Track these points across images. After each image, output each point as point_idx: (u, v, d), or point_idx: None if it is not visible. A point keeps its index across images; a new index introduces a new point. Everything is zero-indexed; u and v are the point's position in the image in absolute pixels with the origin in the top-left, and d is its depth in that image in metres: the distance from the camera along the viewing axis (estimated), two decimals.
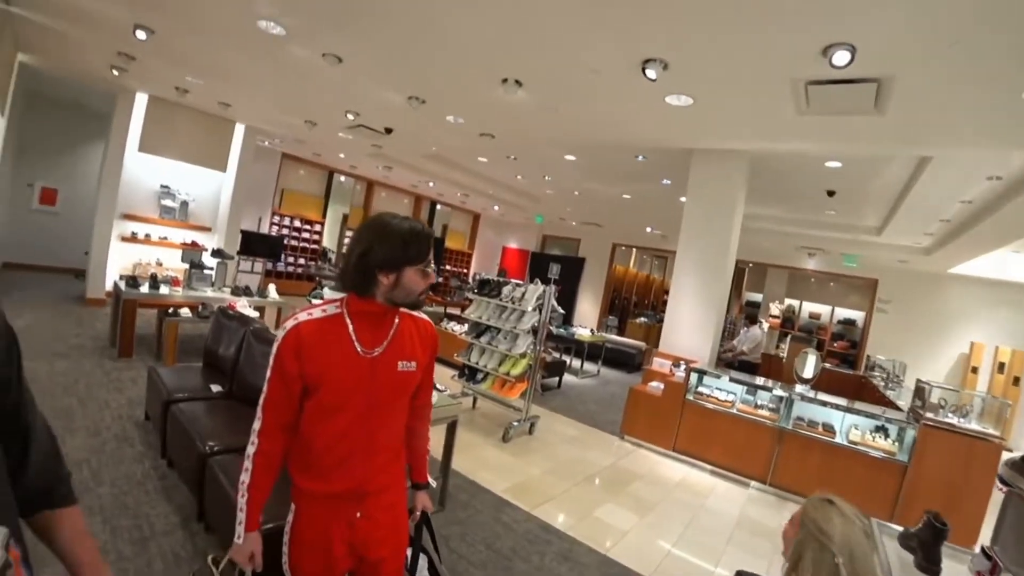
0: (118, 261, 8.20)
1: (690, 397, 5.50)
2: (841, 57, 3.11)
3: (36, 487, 0.88)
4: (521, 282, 5.92)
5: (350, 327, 1.45)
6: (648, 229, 12.53)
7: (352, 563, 1.54)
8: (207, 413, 3.37)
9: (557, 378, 8.19)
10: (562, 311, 7.15)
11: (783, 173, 6.27)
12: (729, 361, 8.29)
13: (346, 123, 7.34)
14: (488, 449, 4.89)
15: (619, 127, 5.44)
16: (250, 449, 1.46)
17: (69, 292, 8.50)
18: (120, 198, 8.16)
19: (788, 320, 13.53)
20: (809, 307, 13.66)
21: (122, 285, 5.93)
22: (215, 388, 3.86)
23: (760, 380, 5.73)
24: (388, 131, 7.50)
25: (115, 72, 6.66)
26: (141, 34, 4.92)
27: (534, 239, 16.29)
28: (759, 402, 5.41)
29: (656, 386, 5.77)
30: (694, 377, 5.55)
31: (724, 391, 5.56)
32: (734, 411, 5.30)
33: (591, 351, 9.89)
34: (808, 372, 5.70)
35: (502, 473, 4.38)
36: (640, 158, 6.69)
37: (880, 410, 5.09)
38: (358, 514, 1.50)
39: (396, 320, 1.52)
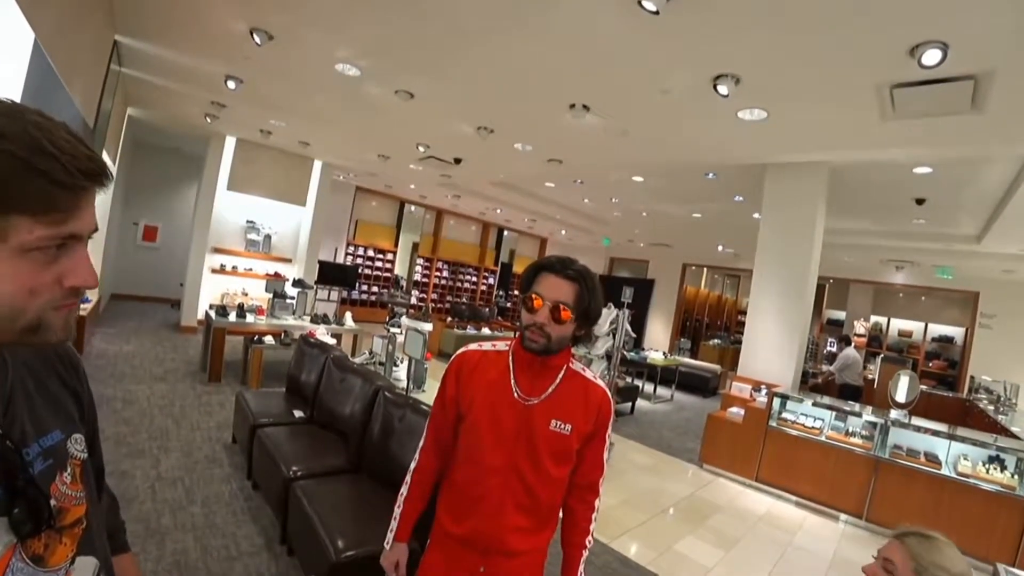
0: (209, 291, 8.78)
1: (773, 424, 5.20)
2: (931, 56, 2.92)
3: (111, 525, 0.93)
4: None
5: (511, 368, 1.44)
6: (719, 248, 12.15)
7: None
8: (290, 438, 3.48)
9: (630, 404, 7.99)
10: (633, 335, 7.00)
11: (865, 183, 5.93)
12: (818, 385, 7.79)
13: (417, 155, 7.60)
14: None
15: (689, 146, 5.35)
16: (411, 465, 1.57)
17: (167, 320, 9.18)
18: (211, 233, 8.79)
19: (875, 339, 12.66)
20: (898, 324, 12.70)
21: (212, 314, 6.34)
22: (297, 413, 4.00)
23: (850, 405, 5.35)
24: (457, 161, 7.69)
25: (208, 119, 7.29)
26: (231, 84, 5.37)
27: (602, 262, 16.15)
28: (850, 429, 5.03)
29: (736, 412, 5.51)
30: (777, 402, 5.25)
31: (811, 417, 5.21)
32: (822, 439, 4.96)
33: (664, 375, 9.62)
34: (904, 396, 5.27)
35: None
36: (711, 176, 6.53)
37: (991, 437, 4.62)
38: (482, 569, 1.44)
39: (561, 374, 1.44)
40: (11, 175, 0.52)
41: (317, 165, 9.68)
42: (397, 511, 1.59)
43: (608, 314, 5.56)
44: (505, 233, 16.10)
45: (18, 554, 0.62)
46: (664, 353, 10.33)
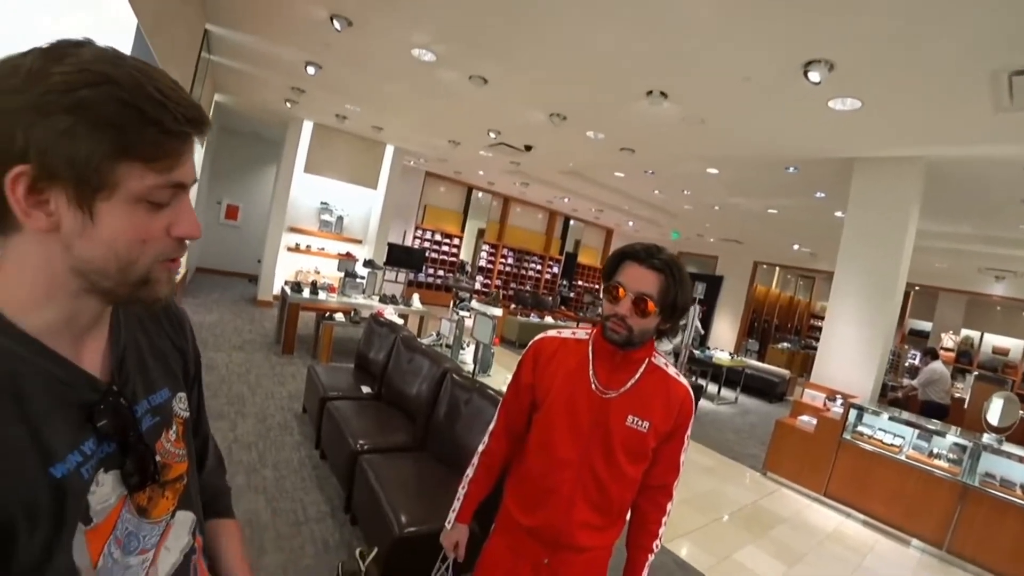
0: (284, 268, 9.19)
1: (847, 437, 4.89)
2: None
3: (206, 494, 0.91)
4: None
5: (591, 359, 1.40)
6: (795, 247, 11.58)
7: None
8: (357, 413, 3.59)
9: (695, 403, 7.77)
10: (703, 332, 6.79)
11: (967, 181, 5.44)
12: (898, 399, 7.30)
13: (488, 141, 7.62)
14: None
15: (771, 137, 5.08)
16: (480, 447, 1.57)
17: (245, 294, 9.70)
18: (287, 213, 9.19)
19: (964, 354, 11.73)
20: (993, 340, 11.70)
21: (288, 290, 6.63)
22: (365, 389, 4.13)
23: (935, 424, 4.96)
24: (528, 148, 7.67)
25: (288, 104, 7.61)
26: (311, 70, 5.56)
27: None
28: (935, 450, 4.67)
29: (807, 421, 5.23)
30: (853, 414, 4.93)
31: (889, 433, 4.87)
32: (901, 457, 4.62)
33: (729, 376, 9.30)
34: (999, 419, 4.80)
35: None
36: (791, 170, 6.20)
37: None
38: (546, 560, 1.42)
39: (642, 369, 1.38)
40: (125, 121, 0.52)
41: (389, 150, 9.89)
42: (461, 492, 1.59)
43: None
44: (571, 222, 15.98)
45: (127, 506, 0.65)
46: (730, 353, 9.99)
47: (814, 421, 5.14)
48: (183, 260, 7.56)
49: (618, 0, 3.15)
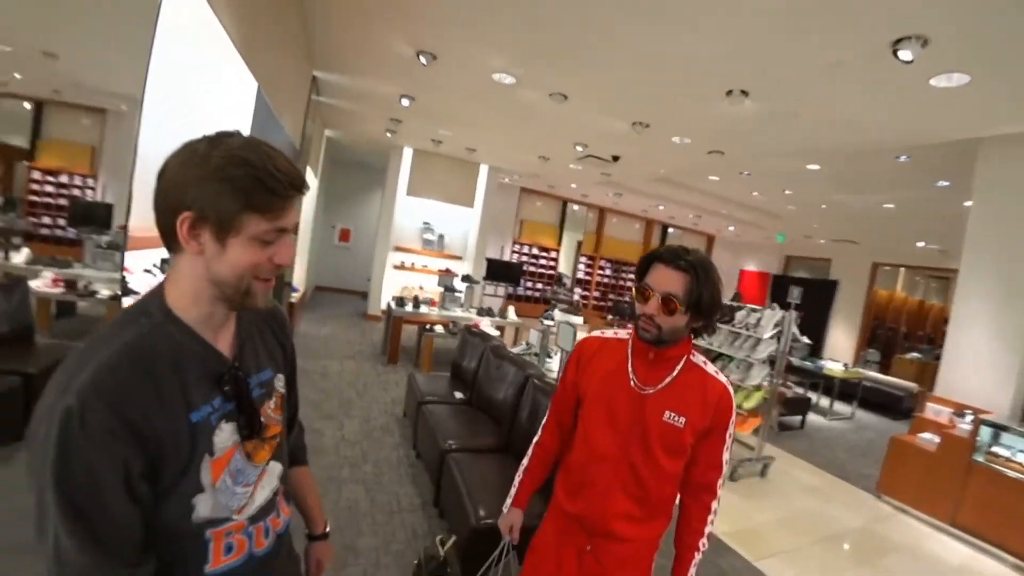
0: (391, 285, 9.88)
1: (979, 458, 4.27)
2: None
3: (294, 445, 1.25)
4: (758, 307, 5.51)
5: (629, 356, 1.48)
6: (920, 244, 10.55)
7: None
8: (449, 416, 3.87)
9: (800, 417, 7.32)
10: (807, 341, 6.37)
11: None
12: None
13: (576, 155, 7.78)
14: None
15: (872, 125, 4.73)
16: (535, 439, 1.73)
17: (356, 309, 10.56)
18: (392, 234, 9.92)
19: None
20: None
21: (393, 305, 7.16)
22: (458, 395, 4.41)
23: None
24: (615, 158, 7.73)
25: (388, 134, 8.33)
26: (405, 101, 6.11)
27: (776, 261, 14.91)
28: None
29: (929, 438, 4.69)
30: (986, 432, 4.33)
31: None
32: None
33: (843, 389, 8.60)
34: None
35: (725, 514, 4.00)
36: (903, 159, 5.75)
37: None
38: (588, 548, 1.49)
39: (679, 366, 1.44)
40: (252, 188, 0.80)
41: (483, 169, 10.35)
42: (517, 479, 1.73)
43: (772, 315, 5.20)
44: (669, 230, 15.65)
45: (239, 449, 0.92)
46: (845, 364, 9.26)
47: (936, 439, 4.60)
48: (303, 280, 8.59)
49: (687, 4, 3.18)
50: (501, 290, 11.79)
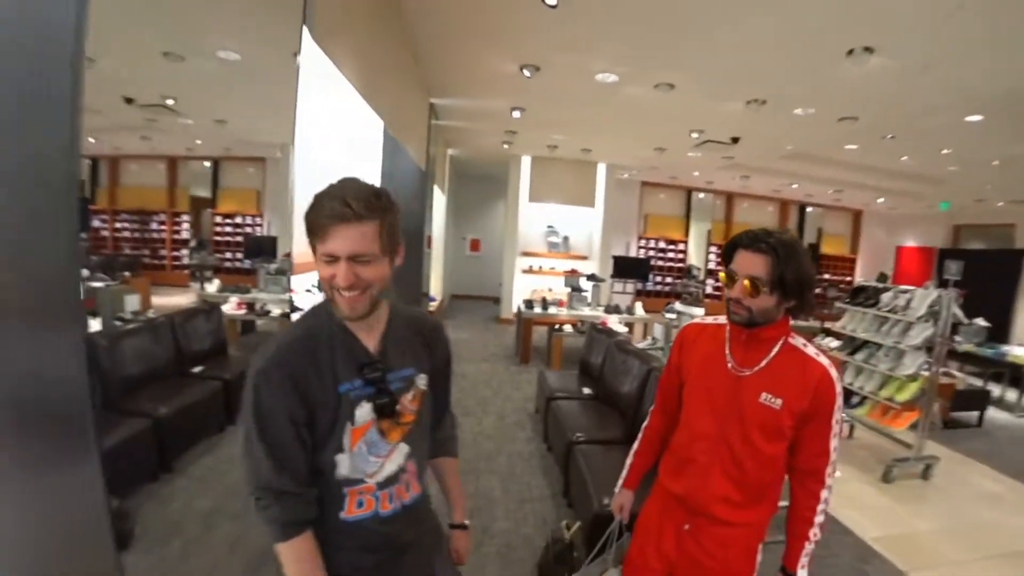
0: (520, 289, 10.30)
1: None
2: None
3: (441, 438, 1.46)
4: (908, 287, 4.94)
5: (727, 340, 1.53)
6: None
7: (669, 569, 1.59)
8: (578, 410, 4.06)
9: (977, 413, 6.24)
10: (984, 323, 5.60)
11: None
12: None
13: (692, 142, 7.60)
14: (861, 486, 4.19)
15: None
16: (644, 423, 1.86)
17: (489, 314, 11.16)
18: (519, 240, 10.34)
19: None
20: None
21: (523, 307, 7.52)
22: (586, 391, 4.57)
23: None
24: (734, 140, 7.42)
25: (505, 146, 8.81)
26: (516, 113, 6.47)
27: (941, 232, 12.97)
28: None
29: None
30: None
31: None
32: None
33: None
34: None
35: (875, 518, 3.68)
36: None
37: None
38: (686, 526, 1.54)
39: (776, 348, 1.47)
40: (308, 220, 1.05)
41: (601, 168, 10.42)
42: (628, 462, 1.85)
43: (925, 295, 4.65)
44: (808, 210, 14.42)
45: (375, 425, 1.17)
46: None
47: None
48: (439, 290, 9.33)
49: None
50: (630, 287, 11.71)
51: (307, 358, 1.12)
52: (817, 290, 12.97)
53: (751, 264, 1.38)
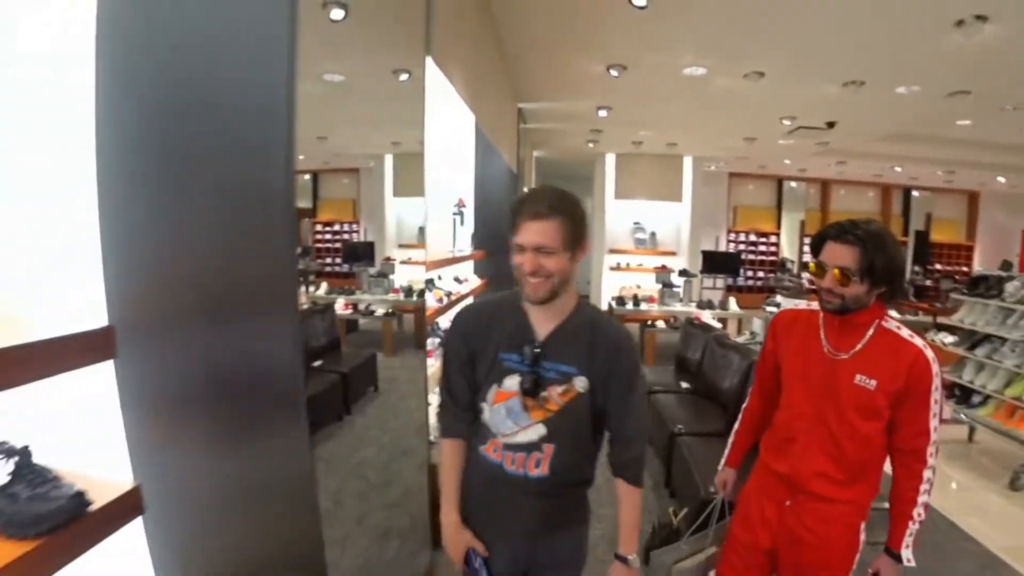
0: (608, 286, 10.34)
1: None
2: None
3: (618, 459, 1.45)
4: None
5: (822, 326, 1.60)
6: None
7: (771, 544, 1.66)
8: (676, 403, 4.14)
9: None
10: None
11: None
12: None
13: (784, 129, 7.37)
14: (985, 494, 3.91)
15: None
16: (743, 404, 1.97)
17: None
18: (606, 237, 10.39)
19: None
20: None
21: (613, 304, 7.63)
22: (684, 384, 4.62)
23: None
24: (830, 125, 7.14)
25: (590, 144, 8.97)
26: (602, 113, 6.59)
27: None
28: None
29: None
30: None
31: None
32: None
33: None
34: None
35: (1002, 526, 3.43)
36: None
37: None
38: (788, 502, 1.61)
39: (869, 332, 1.53)
40: (513, 215, 1.26)
41: (687, 161, 10.27)
42: (729, 441, 1.97)
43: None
44: (914, 194, 13.31)
45: (519, 397, 1.33)
46: None
47: None
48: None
49: None
50: (720, 282, 11.42)
51: (483, 321, 1.41)
52: (928, 281, 12.06)
53: (840, 255, 1.46)
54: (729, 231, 12.85)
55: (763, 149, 9.18)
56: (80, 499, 0.83)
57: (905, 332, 1.52)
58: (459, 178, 4.18)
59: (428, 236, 3.13)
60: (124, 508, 0.93)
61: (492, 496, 1.42)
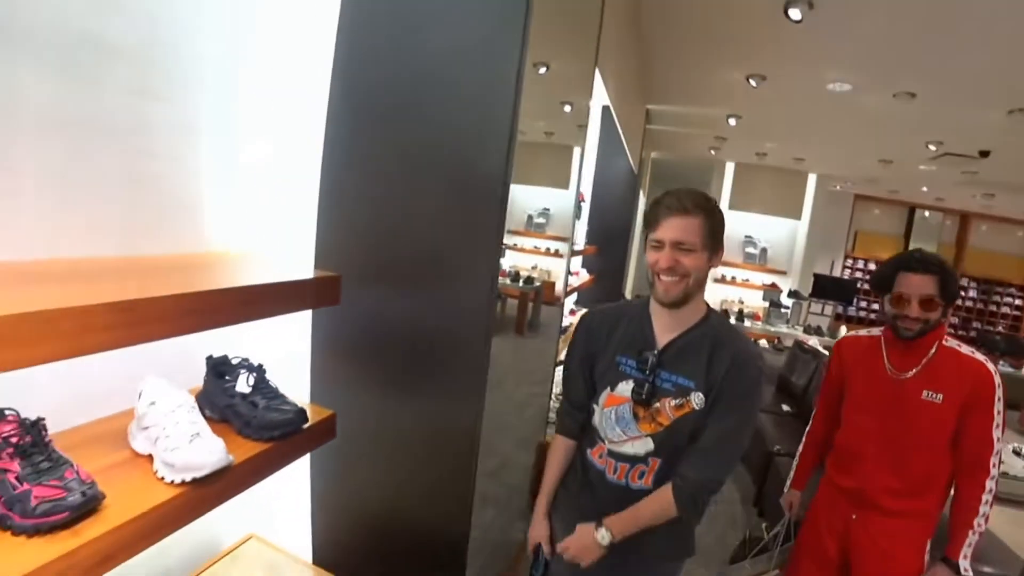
0: (711, 298, 10.00)
1: None
2: None
3: (682, 472, 1.26)
4: None
5: (884, 349, 1.72)
6: None
7: (838, 555, 1.75)
8: (775, 424, 4.13)
9: None
10: None
11: None
12: None
13: (928, 155, 6.89)
14: None
15: None
16: (807, 428, 2.07)
17: None
18: None
19: None
20: None
21: None
22: (785, 408, 4.57)
23: None
24: (983, 154, 6.58)
25: (711, 151, 8.79)
26: (732, 121, 6.50)
27: None
28: None
29: None
30: None
31: None
32: None
33: None
34: None
35: None
36: None
37: None
38: (854, 516, 1.71)
39: (932, 351, 1.61)
40: (649, 215, 1.25)
41: (811, 178, 9.79)
42: (794, 463, 2.04)
43: None
44: None
45: (630, 404, 1.31)
46: None
47: None
48: (630, 291, 9.44)
49: None
50: (829, 309, 10.77)
51: (605, 325, 1.39)
52: None
53: (923, 285, 1.56)
54: (847, 256, 12.09)
55: (899, 173, 8.59)
56: (304, 415, 0.99)
57: (965, 349, 1.62)
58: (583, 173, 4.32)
59: (550, 226, 3.27)
60: (324, 430, 1.10)
61: (588, 500, 1.40)
